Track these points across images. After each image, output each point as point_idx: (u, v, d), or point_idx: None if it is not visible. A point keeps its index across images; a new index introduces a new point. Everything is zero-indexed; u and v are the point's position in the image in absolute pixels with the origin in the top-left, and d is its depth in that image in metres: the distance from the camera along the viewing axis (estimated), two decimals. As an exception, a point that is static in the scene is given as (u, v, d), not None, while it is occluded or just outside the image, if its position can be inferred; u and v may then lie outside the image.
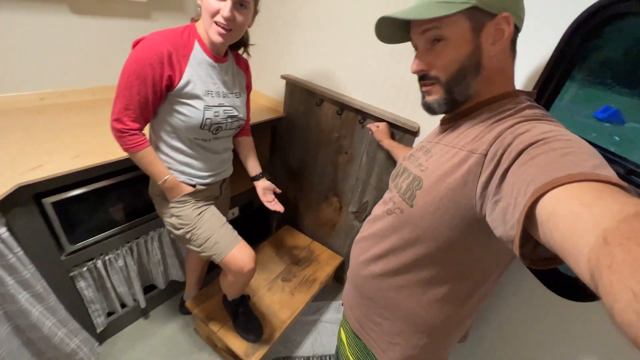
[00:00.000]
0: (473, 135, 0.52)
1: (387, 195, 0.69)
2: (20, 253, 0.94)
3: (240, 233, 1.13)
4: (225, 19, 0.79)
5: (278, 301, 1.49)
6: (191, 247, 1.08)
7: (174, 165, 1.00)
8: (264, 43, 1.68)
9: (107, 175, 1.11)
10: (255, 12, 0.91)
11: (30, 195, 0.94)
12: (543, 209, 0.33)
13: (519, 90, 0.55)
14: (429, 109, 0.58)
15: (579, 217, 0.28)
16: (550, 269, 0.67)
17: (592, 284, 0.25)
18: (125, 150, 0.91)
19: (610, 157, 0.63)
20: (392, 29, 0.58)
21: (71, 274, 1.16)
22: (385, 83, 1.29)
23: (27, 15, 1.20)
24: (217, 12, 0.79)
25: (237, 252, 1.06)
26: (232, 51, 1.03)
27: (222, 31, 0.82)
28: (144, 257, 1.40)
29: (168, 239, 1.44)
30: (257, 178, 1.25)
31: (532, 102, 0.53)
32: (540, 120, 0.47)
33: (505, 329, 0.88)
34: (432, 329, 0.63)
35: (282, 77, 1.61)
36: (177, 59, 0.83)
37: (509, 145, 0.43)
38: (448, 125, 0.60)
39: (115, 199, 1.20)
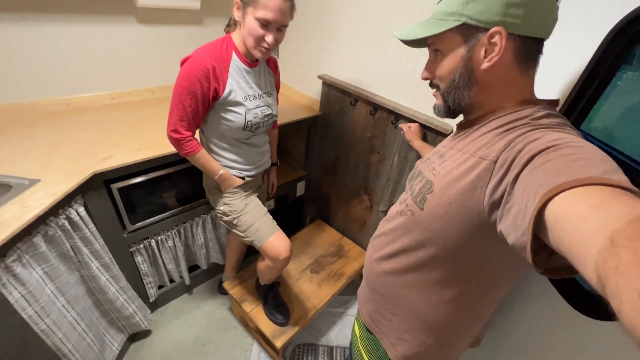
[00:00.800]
0: (484, 142, 0.52)
1: (402, 196, 0.71)
2: (93, 228, 1.14)
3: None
4: (270, 45, 0.89)
5: (306, 291, 1.58)
6: (237, 232, 1.21)
7: (224, 162, 1.13)
8: (303, 44, 1.75)
9: (162, 166, 1.27)
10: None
11: (102, 181, 1.13)
12: (551, 212, 0.33)
13: (537, 99, 0.54)
14: (435, 111, 0.63)
15: (586, 220, 0.28)
16: (572, 283, 0.65)
17: (599, 286, 0.25)
18: (185, 155, 1.05)
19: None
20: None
21: (131, 249, 1.36)
22: (420, 84, 1.28)
23: (101, 27, 1.41)
24: (262, 39, 0.88)
25: (275, 240, 1.17)
26: None
27: (265, 51, 0.92)
28: (189, 240, 1.58)
29: (211, 225, 1.60)
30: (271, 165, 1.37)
31: (552, 111, 0.52)
32: (553, 129, 0.46)
33: (520, 338, 0.86)
34: (439, 328, 0.66)
35: (319, 77, 1.66)
36: (220, 72, 0.93)
37: (519, 152, 0.44)
38: (463, 130, 0.61)
39: (168, 187, 1.37)
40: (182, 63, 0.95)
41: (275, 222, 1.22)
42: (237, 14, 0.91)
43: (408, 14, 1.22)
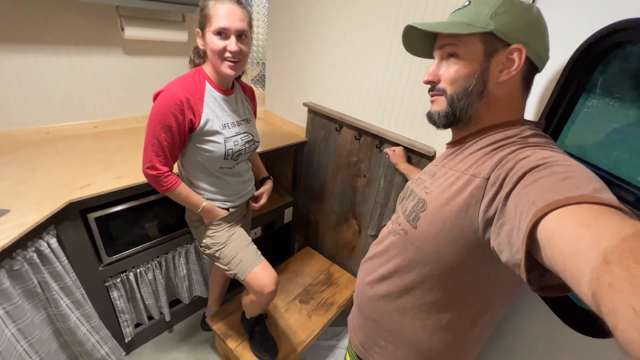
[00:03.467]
0: (475, 160, 0.53)
1: (394, 217, 0.70)
2: (65, 262, 1.06)
3: (262, 253, 1.18)
4: (233, 53, 0.88)
5: (294, 323, 1.50)
6: (220, 265, 1.15)
7: (206, 196, 1.09)
8: (288, 73, 1.81)
9: (144, 194, 1.23)
10: (252, 32, 0.97)
11: (78, 211, 1.07)
12: (544, 230, 0.33)
13: (525, 120, 0.57)
14: (431, 119, 0.61)
15: (579, 238, 0.29)
16: (565, 301, 0.64)
17: (594, 304, 0.25)
18: (164, 191, 0.99)
19: (623, 185, 0.60)
20: (418, 41, 0.62)
21: (106, 284, 1.27)
22: (401, 109, 1.33)
23: (86, 57, 1.42)
24: (224, 50, 0.87)
25: (259, 271, 1.11)
26: (237, 81, 1.11)
27: (232, 64, 0.91)
28: (171, 271, 1.49)
29: (194, 255, 1.53)
30: (265, 179, 1.33)
31: (538, 132, 0.54)
32: (541, 147, 0.48)
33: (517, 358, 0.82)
34: (437, 355, 0.62)
35: (304, 104, 1.71)
36: (194, 103, 0.92)
37: (510, 169, 0.45)
38: (453, 149, 0.62)
39: (150, 216, 1.32)
40: (155, 97, 0.92)
41: (259, 252, 1.17)
42: (200, 42, 0.92)
43: (387, 44, 1.29)
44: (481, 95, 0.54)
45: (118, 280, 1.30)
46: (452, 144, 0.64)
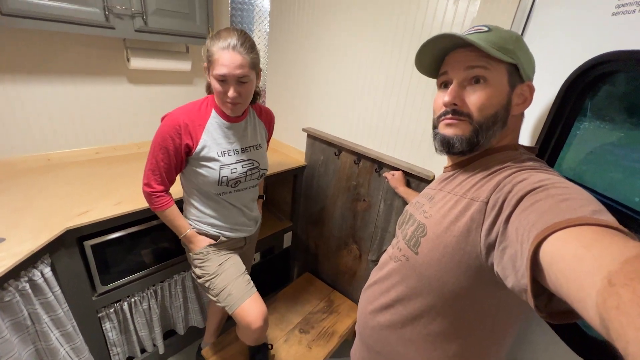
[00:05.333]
0: (473, 183, 0.53)
1: (394, 241, 0.70)
2: (58, 292, 1.03)
3: (260, 279, 1.15)
4: (232, 99, 0.91)
5: (295, 355, 1.43)
6: (210, 296, 1.11)
7: (202, 218, 1.09)
8: (288, 100, 1.86)
9: (142, 220, 1.22)
10: (259, 71, 0.99)
11: (74, 238, 1.06)
12: (546, 253, 0.33)
13: (519, 145, 0.59)
14: (448, 143, 0.57)
15: (582, 260, 0.28)
16: (576, 330, 0.62)
17: (602, 329, 0.24)
18: (154, 210, 1.04)
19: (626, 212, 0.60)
20: (430, 58, 0.60)
21: (99, 314, 1.22)
22: (399, 134, 1.35)
23: (91, 86, 1.46)
24: (225, 94, 0.91)
25: (247, 306, 1.06)
26: (252, 105, 1.12)
27: (232, 107, 0.94)
28: (167, 300, 1.45)
29: (191, 283, 1.49)
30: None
31: (532, 156, 0.56)
32: (537, 170, 0.48)
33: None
34: None
35: (304, 129, 1.74)
36: (193, 129, 0.95)
37: (509, 192, 0.45)
38: (451, 172, 0.62)
39: (146, 243, 1.30)
40: (162, 119, 0.98)
41: (251, 284, 1.13)
42: (207, 76, 0.96)
43: (384, 71, 1.33)
44: (504, 125, 0.55)
45: (111, 310, 1.25)
46: (450, 167, 0.64)
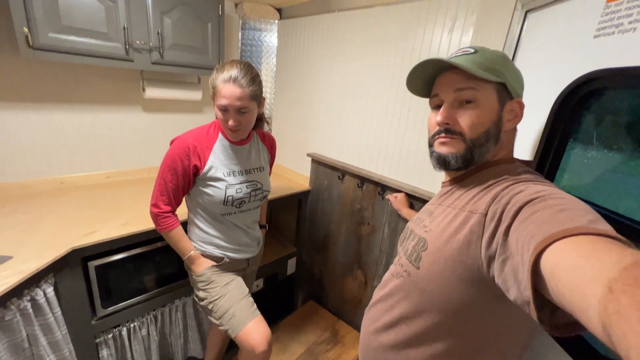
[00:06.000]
0: (471, 196, 0.54)
1: (395, 259, 0.69)
2: (59, 313, 1.02)
3: (263, 306, 1.12)
4: (232, 127, 0.97)
5: (297, 388, 1.35)
6: (212, 319, 1.09)
7: (206, 239, 1.10)
8: (293, 127, 1.92)
9: (147, 242, 1.23)
10: (262, 101, 1.05)
11: (79, 258, 1.06)
12: (546, 264, 0.33)
13: (515, 158, 0.60)
14: (444, 161, 0.59)
15: (582, 270, 0.29)
16: (584, 346, 0.59)
17: (605, 337, 0.24)
18: (160, 231, 1.06)
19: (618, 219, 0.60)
20: (420, 80, 0.63)
21: (97, 340, 1.19)
22: (401, 157, 1.38)
23: (107, 114, 1.55)
24: (226, 122, 0.97)
25: (251, 329, 1.04)
26: (256, 129, 1.17)
27: (232, 133, 1.00)
28: (166, 327, 1.41)
29: (192, 309, 1.46)
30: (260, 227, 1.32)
31: (528, 169, 0.56)
32: (534, 182, 0.49)
33: None
34: None
35: (308, 154, 1.78)
36: (201, 150, 1.00)
37: (507, 204, 0.45)
38: (449, 187, 0.63)
39: (149, 265, 1.30)
40: (171, 143, 1.03)
41: (254, 306, 1.11)
42: (213, 104, 1.02)
43: (385, 97, 1.39)
44: (496, 141, 0.57)
45: (110, 336, 1.22)
46: (448, 182, 0.65)
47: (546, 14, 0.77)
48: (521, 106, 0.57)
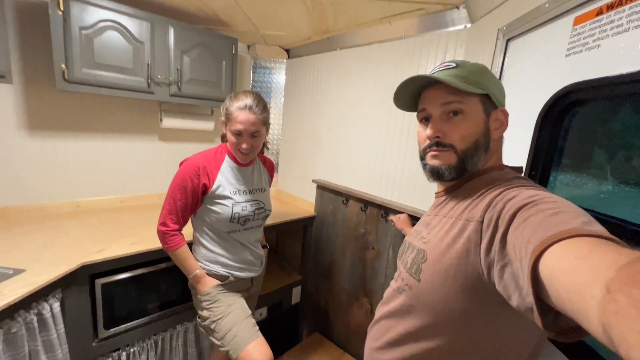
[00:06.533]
0: (466, 204, 0.55)
1: (396, 274, 0.68)
2: (62, 330, 1.03)
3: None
4: (244, 149, 1.05)
5: None
6: (214, 340, 1.07)
7: (212, 257, 1.12)
8: (298, 155, 2.01)
9: (153, 262, 1.25)
10: (268, 127, 1.13)
11: (87, 275, 1.09)
12: (544, 268, 0.33)
13: (504, 165, 0.62)
14: (437, 173, 0.60)
15: (579, 272, 0.29)
16: (584, 349, 0.57)
17: (605, 338, 0.24)
18: (167, 249, 1.09)
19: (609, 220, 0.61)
20: (407, 96, 0.64)
21: (96, 364, 1.17)
22: (402, 179, 1.42)
23: (126, 142, 1.66)
24: (239, 145, 1.05)
25: (252, 349, 1.02)
26: (258, 154, 1.24)
27: (243, 156, 1.07)
28: (166, 354, 1.37)
29: (193, 336, 1.43)
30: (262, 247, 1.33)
31: (518, 175, 0.58)
32: (526, 187, 0.49)
33: None
34: None
35: (313, 181, 1.83)
36: (210, 170, 1.07)
37: (501, 210, 0.46)
38: (443, 197, 0.64)
39: (153, 287, 1.30)
40: (181, 164, 1.09)
41: (256, 327, 1.10)
42: (223, 129, 1.11)
43: (384, 123, 1.47)
44: (486, 150, 0.58)
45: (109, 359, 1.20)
46: (441, 192, 0.65)
47: (524, 41, 0.85)
48: (505, 114, 0.59)
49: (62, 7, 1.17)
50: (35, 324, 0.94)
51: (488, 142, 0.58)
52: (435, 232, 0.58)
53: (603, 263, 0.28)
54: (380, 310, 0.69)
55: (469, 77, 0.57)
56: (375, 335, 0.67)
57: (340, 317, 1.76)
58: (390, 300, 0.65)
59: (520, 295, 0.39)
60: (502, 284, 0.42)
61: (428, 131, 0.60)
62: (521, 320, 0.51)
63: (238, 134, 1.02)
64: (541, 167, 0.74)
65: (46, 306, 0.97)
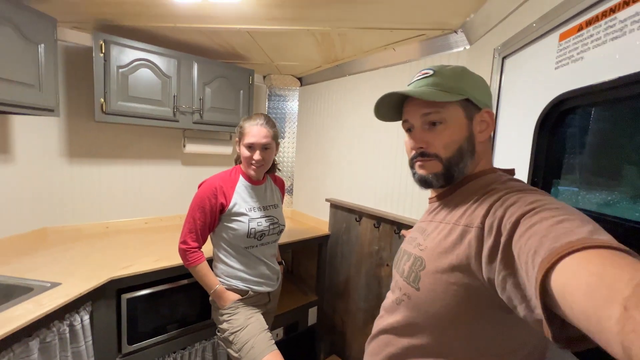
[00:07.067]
0: (463, 210, 0.53)
1: (392, 284, 0.65)
2: (90, 343, 1.09)
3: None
4: (257, 162, 1.13)
5: None
6: (231, 352, 1.10)
7: (231, 273, 1.18)
8: (311, 176, 2.08)
9: (175, 278, 1.31)
10: (278, 145, 1.22)
11: (115, 289, 1.16)
12: (555, 284, 0.32)
13: (496, 168, 0.60)
14: (425, 182, 0.60)
15: (594, 289, 0.28)
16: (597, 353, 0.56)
17: (626, 359, 0.24)
18: (187, 265, 1.15)
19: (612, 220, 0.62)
20: (388, 108, 0.64)
21: (119, 379, 1.21)
22: (413, 196, 1.45)
23: (153, 167, 1.80)
24: (251, 158, 1.14)
25: None
26: (269, 174, 1.32)
27: (256, 168, 1.15)
28: (184, 374, 1.39)
29: (210, 355, 1.45)
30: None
31: (511, 177, 0.58)
32: (525, 191, 0.48)
33: None
34: None
35: (327, 200, 1.89)
36: (226, 190, 1.15)
37: (502, 217, 0.44)
38: (437, 203, 0.62)
39: (175, 303, 1.35)
40: (199, 186, 1.18)
41: (273, 341, 1.12)
42: (237, 148, 1.20)
43: (393, 142, 1.53)
44: (472, 154, 0.57)
45: (131, 376, 1.23)
46: (435, 198, 0.65)
47: (518, 57, 0.91)
48: (490, 115, 0.57)
49: (103, 50, 1.34)
50: (67, 335, 1.00)
51: (473, 147, 0.57)
52: (432, 238, 0.57)
53: (619, 280, 0.27)
54: (378, 324, 0.66)
55: (446, 83, 0.56)
56: (375, 351, 0.64)
57: (357, 337, 1.73)
58: (388, 313, 0.63)
59: (527, 307, 0.38)
60: (505, 295, 0.42)
61: (412, 142, 0.60)
62: (528, 333, 0.50)
63: (250, 147, 1.11)
64: (542, 176, 0.77)
65: (77, 318, 1.03)
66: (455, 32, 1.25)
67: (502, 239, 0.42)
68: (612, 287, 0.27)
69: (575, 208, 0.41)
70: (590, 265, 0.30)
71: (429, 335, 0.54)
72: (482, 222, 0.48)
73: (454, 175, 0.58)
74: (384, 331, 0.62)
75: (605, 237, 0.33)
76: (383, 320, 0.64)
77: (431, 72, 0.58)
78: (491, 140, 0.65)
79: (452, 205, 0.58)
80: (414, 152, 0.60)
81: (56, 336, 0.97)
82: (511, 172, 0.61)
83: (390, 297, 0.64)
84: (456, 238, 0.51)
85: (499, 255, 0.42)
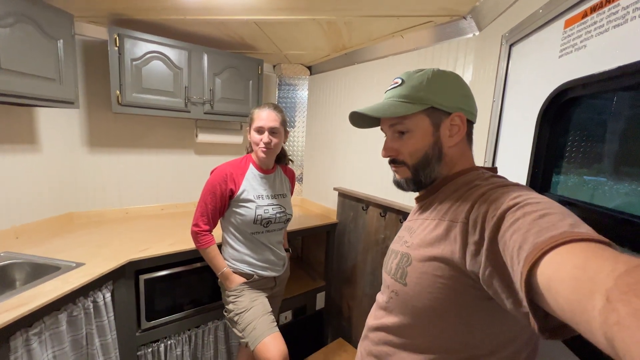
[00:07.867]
0: (448, 206, 0.54)
1: (382, 287, 0.67)
2: (112, 318, 1.18)
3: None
4: (265, 144, 1.17)
5: None
6: (236, 332, 1.17)
7: (238, 256, 1.24)
8: (320, 165, 2.10)
9: (188, 261, 1.39)
10: (287, 132, 1.27)
11: (133, 270, 1.25)
12: (541, 277, 0.33)
13: (478, 166, 0.62)
14: (400, 186, 0.64)
15: (577, 281, 0.29)
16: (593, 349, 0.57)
17: (610, 349, 0.24)
18: (198, 247, 1.22)
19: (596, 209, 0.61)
20: (363, 119, 0.66)
21: (139, 352, 1.31)
22: (420, 185, 1.45)
23: (167, 156, 1.88)
24: (260, 141, 1.18)
25: (268, 342, 1.10)
26: (280, 164, 1.36)
27: (265, 150, 1.19)
28: (199, 350, 1.49)
29: (223, 334, 1.54)
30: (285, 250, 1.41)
31: (494, 173, 0.59)
32: (507, 187, 0.49)
33: None
34: None
35: (335, 188, 1.91)
36: (236, 177, 1.20)
37: (486, 212, 0.45)
38: (423, 201, 0.64)
39: (189, 284, 1.44)
40: (211, 172, 1.23)
41: (274, 323, 1.18)
42: (248, 137, 1.25)
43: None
44: (440, 159, 0.59)
45: (149, 350, 1.34)
46: (419, 198, 0.66)
47: (525, 45, 0.89)
48: (462, 118, 0.57)
49: (117, 44, 1.39)
50: (92, 310, 1.10)
51: (440, 152, 0.59)
52: (417, 233, 0.58)
53: (602, 272, 0.27)
54: (369, 323, 0.68)
55: (411, 94, 0.58)
56: (366, 350, 0.66)
57: (362, 322, 1.77)
58: (378, 312, 0.64)
59: (514, 301, 0.39)
60: (492, 289, 0.43)
61: (382, 151, 0.64)
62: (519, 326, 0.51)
63: (259, 130, 1.16)
64: (542, 166, 0.76)
65: (100, 295, 1.13)
66: (465, 18, 1.22)
67: (487, 234, 0.43)
68: (595, 278, 0.27)
69: (556, 202, 0.41)
70: (573, 258, 0.31)
71: (420, 332, 0.55)
72: (467, 217, 0.49)
73: (422, 181, 0.60)
74: (376, 329, 0.64)
75: (585, 230, 0.34)
76: (373, 319, 0.65)
77: (400, 81, 0.60)
78: (472, 140, 0.63)
79: (436, 202, 0.59)
80: (387, 158, 0.64)
81: (82, 311, 1.07)
82: (494, 170, 0.61)
83: (379, 299, 0.66)
84: (442, 233, 0.52)
85: (484, 250, 0.43)
